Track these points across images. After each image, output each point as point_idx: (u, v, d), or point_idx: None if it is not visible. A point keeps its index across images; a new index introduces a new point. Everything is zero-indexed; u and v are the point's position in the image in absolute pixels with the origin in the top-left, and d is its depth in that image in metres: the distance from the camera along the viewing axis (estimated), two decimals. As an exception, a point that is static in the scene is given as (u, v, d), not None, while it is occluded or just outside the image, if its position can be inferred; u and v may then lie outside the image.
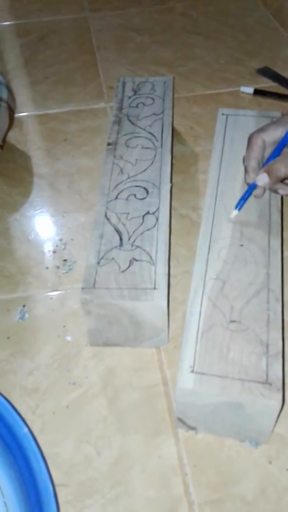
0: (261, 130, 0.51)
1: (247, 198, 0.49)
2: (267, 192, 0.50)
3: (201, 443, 0.40)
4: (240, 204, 0.48)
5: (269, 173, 0.48)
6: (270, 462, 0.39)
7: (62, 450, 0.41)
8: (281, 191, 0.49)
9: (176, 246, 0.55)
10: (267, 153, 0.51)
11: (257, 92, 0.74)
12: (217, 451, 0.40)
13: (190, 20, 0.93)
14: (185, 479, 0.38)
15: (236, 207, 0.48)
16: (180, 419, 0.40)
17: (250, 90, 0.74)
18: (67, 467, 0.40)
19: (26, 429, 0.39)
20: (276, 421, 0.38)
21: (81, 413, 0.42)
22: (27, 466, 0.38)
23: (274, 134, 0.50)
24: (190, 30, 0.90)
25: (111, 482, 0.39)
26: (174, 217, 0.58)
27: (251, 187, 0.49)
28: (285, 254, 0.50)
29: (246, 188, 0.50)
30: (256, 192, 0.49)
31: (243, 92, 0.75)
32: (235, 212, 0.48)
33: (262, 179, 0.48)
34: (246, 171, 0.50)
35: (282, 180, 0.49)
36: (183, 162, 0.65)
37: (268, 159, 0.50)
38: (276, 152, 0.50)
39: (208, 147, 0.65)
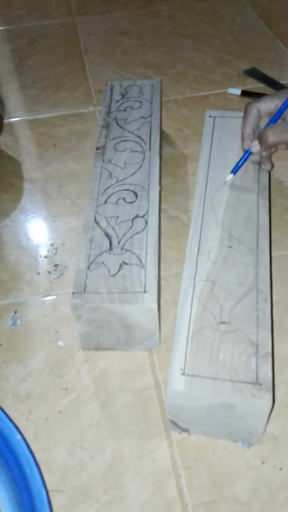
0: (256, 100, 0.54)
1: (242, 163, 0.52)
2: (256, 193, 0.50)
3: (194, 445, 0.40)
4: (235, 169, 0.51)
5: (259, 140, 0.51)
6: (263, 462, 0.39)
7: (55, 456, 0.41)
8: (263, 166, 0.53)
9: (167, 248, 0.55)
10: (262, 124, 0.54)
11: (244, 93, 0.74)
12: (210, 453, 0.40)
13: (177, 22, 0.94)
14: (179, 482, 0.38)
15: (231, 171, 0.51)
16: (172, 422, 0.40)
17: (238, 91, 0.74)
18: (61, 473, 0.40)
19: (19, 436, 0.39)
20: (268, 421, 0.38)
21: (74, 418, 0.42)
22: (21, 473, 0.38)
23: (269, 105, 0.53)
24: (178, 33, 0.91)
25: (105, 486, 0.39)
26: (164, 219, 0.58)
27: (246, 153, 0.52)
28: (273, 254, 0.51)
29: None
30: (252, 158, 0.53)
31: (230, 94, 0.75)
32: (231, 176, 0.51)
33: (254, 146, 0.52)
34: (242, 138, 0.53)
35: (271, 148, 0.52)
36: (173, 164, 0.65)
37: (263, 129, 0.52)
38: (271, 122, 0.52)
39: (197, 149, 0.65)
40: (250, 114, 0.53)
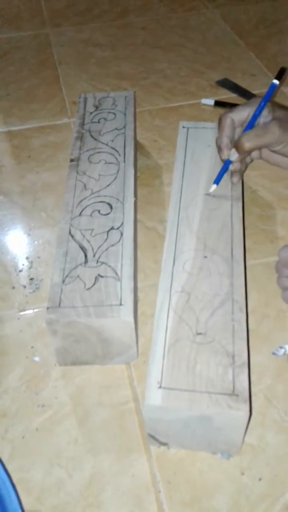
0: (229, 111, 0.54)
1: (223, 173, 0.53)
2: (229, 203, 0.51)
3: (173, 459, 0.40)
4: (217, 179, 0.52)
5: (236, 147, 0.52)
6: (243, 473, 0.39)
7: (32, 475, 0.40)
8: (233, 178, 0.53)
9: (143, 259, 0.55)
10: (237, 134, 0.54)
11: (217, 103, 0.75)
12: (189, 466, 0.39)
13: (150, 34, 0.95)
14: (159, 497, 0.38)
15: (214, 181, 0.52)
16: (151, 436, 0.39)
17: (211, 102, 0.75)
18: (39, 492, 0.39)
19: (-6, 456, 0.38)
20: (246, 431, 0.38)
21: (51, 435, 0.42)
22: (-4, 495, 0.37)
23: (242, 114, 0.54)
24: (151, 44, 0.92)
25: (83, 504, 0.38)
26: (141, 230, 0.58)
27: (226, 163, 0.53)
28: (248, 263, 0.51)
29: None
30: (232, 166, 0.53)
31: (204, 104, 0.76)
32: (214, 186, 0.52)
33: (233, 154, 0.52)
34: (219, 149, 0.54)
35: (248, 153, 0.54)
36: (148, 175, 0.65)
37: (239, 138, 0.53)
38: (247, 129, 0.53)
39: (172, 159, 0.65)
40: (225, 124, 0.54)
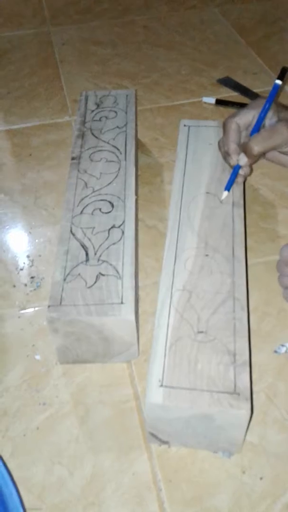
0: (233, 115, 0.53)
1: (234, 179, 0.52)
2: (231, 202, 0.51)
3: (174, 457, 0.40)
4: (229, 185, 0.51)
5: (245, 152, 0.51)
6: (244, 472, 0.39)
7: (33, 473, 0.40)
8: (238, 179, 0.53)
9: (145, 257, 0.55)
10: (243, 138, 0.54)
11: (219, 102, 0.75)
12: (190, 464, 0.39)
13: (151, 32, 0.94)
14: (160, 495, 0.38)
15: (225, 188, 0.51)
16: (152, 434, 0.39)
17: (212, 100, 0.75)
18: (40, 490, 0.39)
19: (-5, 454, 0.38)
20: (247, 430, 0.38)
21: (52, 433, 0.42)
22: (-3, 493, 0.37)
23: (247, 118, 0.53)
24: (152, 42, 0.91)
25: (84, 503, 0.38)
26: (142, 229, 0.58)
27: (236, 168, 0.52)
28: (249, 262, 0.51)
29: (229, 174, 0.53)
30: (242, 171, 0.52)
31: (205, 103, 0.76)
32: (226, 193, 0.51)
33: (242, 159, 0.52)
34: (228, 154, 0.53)
35: (258, 157, 0.52)
36: (149, 174, 0.65)
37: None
38: (253, 133, 0.52)
39: (173, 158, 0.65)
40: (231, 130, 0.53)
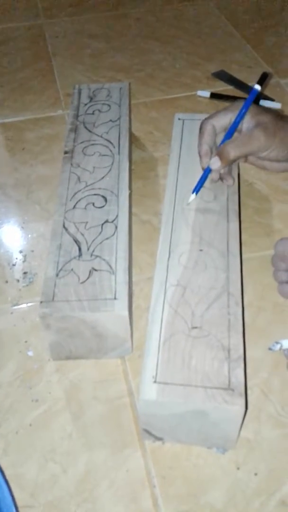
0: (210, 117, 0.52)
1: (203, 182, 0.50)
2: (225, 196, 0.50)
3: (168, 453, 0.40)
4: (197, 188, 0.50)
5: (220, 156, 0.49)
6: (238, 468, 0.39)
7: (26, 470, 0.39)
8: (225, 181, 0.52)
9: (138, 252, 0.54)
10: (219, 139, 0.52)
11: (213, 95, 0.74)
12: (184, 461, 0.39)
13: (145, 25, 0.93)
14: (154, 492, 0.38)
15: (193, 191, 0.49)
16: (146, 430, 0.39)
17: (207, 94, 0.74)
18: (32, 488, 0.38)
19: (-13, 452, 0.38)
20: (241, 425, 0.38)
21: (45, 430, 0.41)
22: (-11, 491, 0.36)
23: (223, 120, 0.51)
24: (146, 36, 0.91)
25: (78, 500, 0.38)
26: (136, 223, 0.57)
27: (206, 171, 0.50)
28: (244, 256, 0.50)
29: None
30: (211, 176, 0.51)
31: (200, 96, 0.75)
32: (193, 196, 0.50)
33: (215, 163, 0.50)
34: (199, 156, 0.52)
35: (232, 162, 0.51)
36: (143, 168, 0.64)
37: (220, 144, 0.51)
38: (227, 137, 0.51)
39: (167, 152, 0.65)
40: (205, 131, 0.51)
